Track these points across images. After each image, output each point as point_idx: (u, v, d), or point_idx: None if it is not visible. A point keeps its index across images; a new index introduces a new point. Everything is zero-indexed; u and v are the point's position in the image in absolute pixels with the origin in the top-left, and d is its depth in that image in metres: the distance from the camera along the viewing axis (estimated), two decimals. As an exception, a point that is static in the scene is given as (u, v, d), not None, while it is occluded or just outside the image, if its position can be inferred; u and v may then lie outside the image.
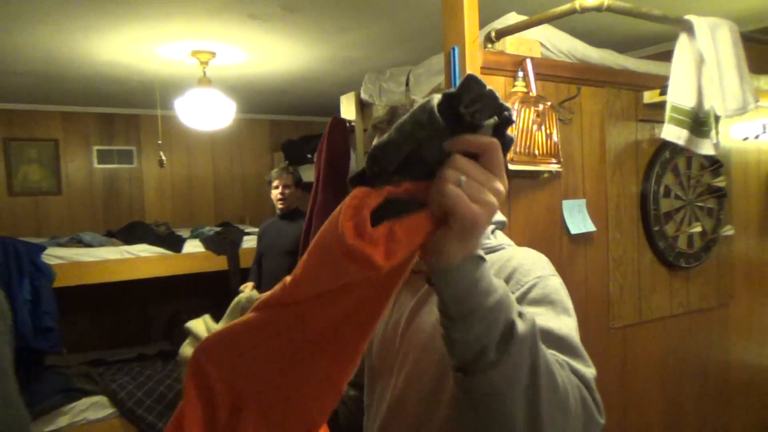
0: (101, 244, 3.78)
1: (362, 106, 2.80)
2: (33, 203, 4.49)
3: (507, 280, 0.93)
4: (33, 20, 2.54)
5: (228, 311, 2.79)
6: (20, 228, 4.39)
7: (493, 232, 1.06)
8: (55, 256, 3.54)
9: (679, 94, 1.84)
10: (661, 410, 2.21)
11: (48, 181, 4.55)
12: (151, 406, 3.74)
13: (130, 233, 4.08)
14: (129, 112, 4.83)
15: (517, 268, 0.94)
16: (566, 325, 0.86)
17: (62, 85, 3.81)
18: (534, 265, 0.95)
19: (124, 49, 3.01)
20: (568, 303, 0.92)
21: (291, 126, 5.57)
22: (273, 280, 3.41)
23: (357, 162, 2.85)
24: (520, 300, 0.89)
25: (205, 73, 3.21)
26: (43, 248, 3.50)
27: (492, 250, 1.01)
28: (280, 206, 3.37)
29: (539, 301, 0.89)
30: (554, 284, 0.93)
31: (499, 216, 1.07)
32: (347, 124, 2.85)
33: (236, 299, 2.90)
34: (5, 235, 4.17)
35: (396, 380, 1.02)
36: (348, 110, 2.86)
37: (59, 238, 3.91)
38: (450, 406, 0.92)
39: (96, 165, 4.75)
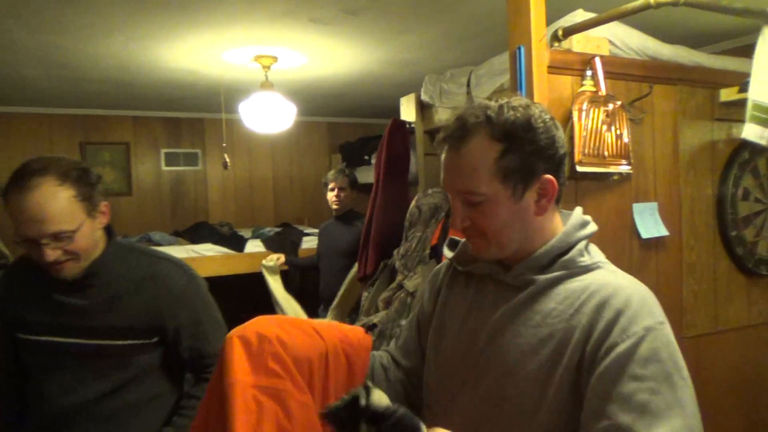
0: (169, 244, 3.93)
1: (422, 108, 2.79)
2: (106, 204, 4.73)
3: (610, 324, 0.84)
4: (108, 30, 2.68)
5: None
6: (94, 227, 4.64)
7: (587, 246, 0.97)
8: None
9: (763, 91, 1.72)
10: (738, 427, 2.09)
11: (120, 182, 4.78)
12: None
13: (196, 233, 4.23)
14: (194, 116, 5.01)
15: (622, 310, 0.84)
16: (687, 410, 0.80)
17: (133, 91, 4.00)
18: (641, 308, 0.85)
19: (190, 55, 3.12)
20: (682, 362, 0.84)
21: (349, 128, 5.63)
22: (330, 281, 3.47)
23: (416, 164, 2.84)
24: (627, 357, 0.81)
25: (267, 77, 3.29)
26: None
27: (587, 269, 0.93)
28: (334, 207, 3.40)
29: (649, 361, 0.81)
30: (666, 337, 0.84)
31: (591, 224, 0.98)
32: (407, 126, 2.84)
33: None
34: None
35: (471, 396, 0.96)
36: (408, 112, 2.86)
37: (130, 237, 4.10)
38: None
39: (164, 167, 4.95)
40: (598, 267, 0.93)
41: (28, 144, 4.40)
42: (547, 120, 0.92)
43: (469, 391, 0.96)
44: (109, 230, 1.38)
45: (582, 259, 0.94)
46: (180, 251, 3.86)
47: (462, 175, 0.92)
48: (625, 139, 1.73)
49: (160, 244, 3.89)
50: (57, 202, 1.20)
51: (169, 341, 1.39)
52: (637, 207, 1.82)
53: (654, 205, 1.86)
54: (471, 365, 0.97)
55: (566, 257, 0.93)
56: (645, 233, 1.82)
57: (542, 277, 0.93)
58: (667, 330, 0.86)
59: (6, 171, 4.52)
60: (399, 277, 2.45)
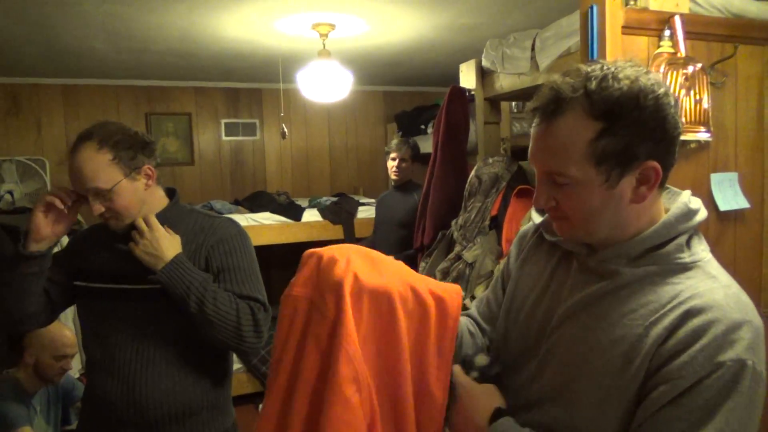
0: (230, 212, 4.03)
1: (483, 74, 2.70)
2: (170, 173, 4.89)
3: (694, 336, 0.76)
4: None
5: None
6: (160, 195, 4.82)
7: (689, 241, 0.85)
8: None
9: None
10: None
11: (183, 152, 4.92)
12: (273, 364, 3.98)
13: (255, 202, 4.31)
14: (253, 87, 5.07)
15: (717, 332, 0.75)
16: None
17: (194, 61, 4.07)
18: (739, 332, 0.75)
19: (247, 24, 3.13)
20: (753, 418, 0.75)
21: (405, 97, 5.56)
22: (385, 251, 3.46)
23: (476, 132, 2.77)
24: (698, 381, 0.74)
25: (324, 45, 3.27)
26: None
27: (684, 267, 0.82)
28: (394, 177, 3.39)
29: (713, 398, 0.73)
30: (752, 380, 0.74)
31: (699, 213, 0.86)
32: (467, 93, 2.76)
33: None
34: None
35: (540, 380, 0.91)
36: (468, 79, 2.78)
37: (193, 205, 4.23)
38: None
39: (224, 137, 5.06)
40: (696, 266, 0.82)
41: (97, 115, 4.58)
42: (660, 95, 0.78)
43: (534, 370, 0.92)
44: (171, 192, 1.55)
45: (680, 255, 0.83)
46: (240, 219, 3.94)
47: (550, 154, 0.82)
48: (705, 105, 1.62)
49: (221, 212, 4.00)
50: (93, 163, 1.36)
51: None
52: (715, 177, 1.71)
53: (734, 175, 1.74)
54: (540, 348, 0.92)
55: (661, 251, 0.83)
56: (723, 205, 1.71)
57: (629, 271, 0.83)
58: (763, 367, 0.76)
59: (78, 141, 4.61)
60: (457, 248, 2.42)
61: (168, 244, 1.39)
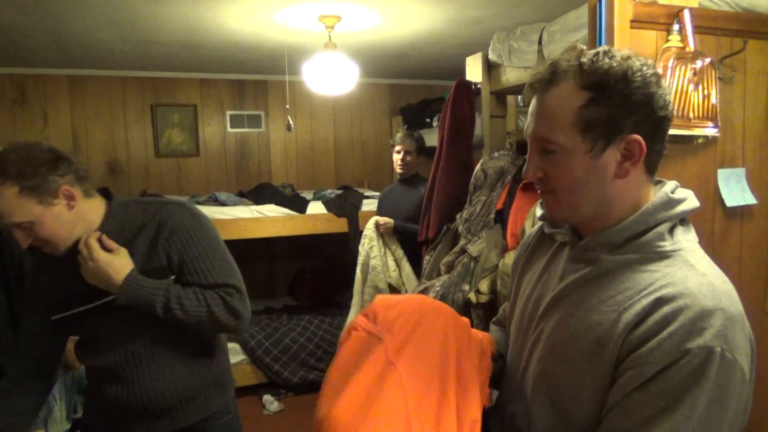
0: (235, 204, 4.04)
1: (489, 68, 2.69)
2: (176, 164, 4.90)
3: (663, 323, 0.76)
4: (177, -9, 2.71)
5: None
6: (165, 187, 4.83)
7: (672, 229, 0.86)
8: (195, 213, 3.85)
9: None
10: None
11: (188, 143, 4.92)
12: (277, 356, 4.00)
13: (259, 194, 4.32)
14: (258, 78, 5.06)
15: (686, 319, 0.75)
16: None
17: (200, 53, 4.06)
18: (710, 320, 0.75)
19: (253, 15, 3.12)
20: (726, 417, 0.74)
21: (410, 90, 5.54)
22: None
23: (482, 126, 2.77)
24: (665, 368, 0.74)
25: (330, 37, 3.26)
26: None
27: (663, 255, 0.83)
28: (399, 171, 3.38)
29: (679, 384, 0.73)
30: (721, 367, 0.73)
31: (685, 202, 0.87)
32: (473, 87, 2.75)
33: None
34: (154, 192, 4.60)
35: (533, 368, 0.93)
36: (474, 72, 2.77)
37: (198, 196, 4.24)
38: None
39: (229, 129, 5.06)
40: (676, 254, 0.83)
41: (102, 106, 4.58)
42: (648, 75, 0.82)
43: (527, 362, 0.95)
44: (105, 193, 1.46)
45: (660, 243, 0.84)
46: (245, 211, 3.96)
47: (541, 121, 0.86)
48: (713, 100, 1.61)
49: (226, 204, 4.00)
50: (4, 200, 1.26)
51: (179, 276, 1.43)
52: (722, 173, 1.70)
53: (741, 171, 1.73)
54: (531, 335, 0.95)
55: (641, 239, 0.84)
56: (730, 201, 1.70)
57: (610, 258, 0.85)
58: (741, 364, 0.75)
59: (83, 132, 4.73)
60: (462, 242, 2.42)
61: (116, 265, 1.33)
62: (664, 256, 0.83)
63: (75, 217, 1.35)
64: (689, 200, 0.88)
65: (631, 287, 0.82)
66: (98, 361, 1.45)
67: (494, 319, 1.22)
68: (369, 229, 3.35)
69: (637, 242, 0.85)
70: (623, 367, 0.78)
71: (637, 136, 0.82)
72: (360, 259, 3.35)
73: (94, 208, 1.41)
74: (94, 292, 1.39)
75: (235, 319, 1.42)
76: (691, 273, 0.81)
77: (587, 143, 0.83)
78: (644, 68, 0.82)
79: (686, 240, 0.86)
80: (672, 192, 0.88)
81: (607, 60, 0.82)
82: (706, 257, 0.86)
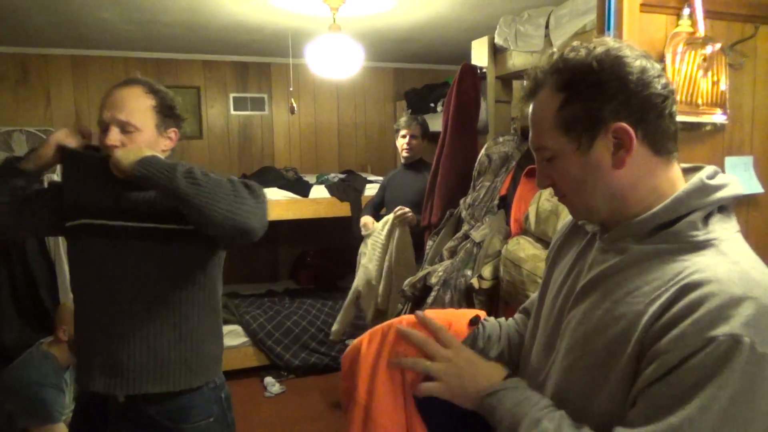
0: (237, 187, 4.02)
1: (495, 52, 2.66)
2: (178, 146, 4.82)
3: (687, 311, 0.72)
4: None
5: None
6: (168, 169, 4.82)
7: (707, 217, 0.81)
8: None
9: None
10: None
11: (191, 125, 4.90)
12: (279, 338, 4.03)
13: (262, 177, 4.31)
14: (262, 61, 5.02)
15: (712, 306, 0.70)
16: None
17: (203, 34, 4.03)
18: (738, 308, 0.70)
19: (260, -3, 3.09)
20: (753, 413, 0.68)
21: (415, 74, 5.50)
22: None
23: (487, 111, 2.74)
24: (687, 357, 0.70)
25: (335, 19, 3.22)
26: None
27: (697, 246, 0.78)
28: (404, 155, 3.36)
29: (701, 374, 0.68)
30: (749, 360, 0.68)
31: (726, 188, 0.81)
32: (478, 71, 2.73)
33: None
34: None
35: (557, 355, 0.91)
36: (479, 56, 2.74)
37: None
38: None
39: (232, 112, 5.03)
40: (710, 244, 0.78)
41: (105, 86, 4.54)
42: (619, 56, 0.80)
43: (558, 355, 0.90)
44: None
45: (693, 233, 0.79)
46: (248, 194, 3.95)
47: (533, 131, 0.89)
48: (723, 86, 1.59)
49: (229, 187, 3.99)
50: (136, 101, 1.45)
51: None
52: (730, 161, 1.69)
53: (749, 159, 1.72)
54: (559, 327, 0.92)
55: (672, 229, 0.80)
56: (736, 189, 1.69)
57: (638, 248, 0.82)
58: (762, 356, 0.68)
59: (85, 112, 4.70)
60: (465, 227, 2.42)
61: (145, 150, 1.39)
62: (697, 246, 0.78)
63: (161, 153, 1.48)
64: (730, 186, 0.82)
65: (659, 277, 0.78)
66: (90, 297, 1.46)
67: (521, 307, 1.19)
68: (380, 233, 3.21)
69: (668, 231, 0.80)
70: (647, 359, 0.75)
71: (622, 123, 0.79)
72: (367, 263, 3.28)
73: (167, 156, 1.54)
74: (118, 212, 1.42)
75: (256, 201, 1.37)
76: (721, 259, 0.76)
77: (573, 142, 0.83)
78: (612, 51, 0.80)
79: (723, 229, 0.81)
80: (709, 178, 0.82)
81: (572, 55, 0.82)
82: (746, 247, 0.81)
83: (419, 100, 4.78)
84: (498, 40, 2.59)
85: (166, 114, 1.50)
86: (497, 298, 2.10)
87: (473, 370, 0.95)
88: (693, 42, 1.53)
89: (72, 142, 1.48)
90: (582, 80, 0.81)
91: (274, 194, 4.04)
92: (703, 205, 0.80)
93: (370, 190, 4.27)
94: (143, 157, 1.33)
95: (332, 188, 4.21)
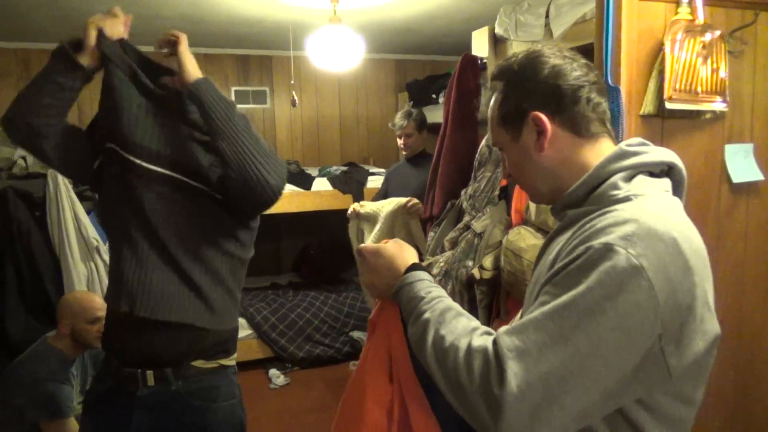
0: (240, 180, 4.04)
1: (496, 42, 2.65)
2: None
3: (580, 237, 0.81)
4: (180, -36, 2.67)
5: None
6: (170, 163, 4.83)
7: (631, 178, 0.87)
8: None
9: None
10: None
11: (193, 119, 4.90)
12: (283, 331, 4.05)
13: (265, 170, 4.32)
14: (263, 54, 5.02)
15: (599, 226, 0.79)
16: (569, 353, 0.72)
17: (204, 27, 4.03)
18: (622, 226, 0.76)
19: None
20: (620, 312, 0.72)
21: (417, 66, 5.49)
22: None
23: (488, 102, 2.74)
24: (566, 264, 0.78)
25: (335, 11, 3.22)
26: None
27: (617, 201, 0.84)
28: (403, 153, 3.38)
29: (571, 277, 0.76)
30: (621, 269, 0.72)
31: (642, 155, 0.89)
32: (479, 62, 2.72)
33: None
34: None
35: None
36: (480, 47, 2.73)
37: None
38: None
39: (234, 105, 5.03)
40: (629, 198, 0.83)
41: (107, 81, 4.57)
42: (533, 56, 0.93)
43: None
44: None
45: (613, 192, 0.85)
46: (250, 187, 3.96)
47: (489, 130, 1.04)
48: (722, 74, 1.58)
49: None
50: None
51: None
52: (730, 148, 1.68)
53: (749, 146, 1.72)
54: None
55: (597, 192, 0.88)
56: (736, 177, 1.69)
57: (571, 212, 0.91)
58: (631, 262, 0.72)
59: (88, 103, 4.68)
60: (466, 218, 2.42)
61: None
62: (617, 201, 0.84)
63: None
64: (651, 153, 0.90)
65: (584, 232, 0.82)
66: (120, 223, 1.43)
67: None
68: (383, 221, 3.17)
69: (594, 195, 0.89)
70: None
71: (536, 112, 0.91)
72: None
73: None
74: (160, 158, 1.42)
75: (282, 165, 1.40)
76: (630, 206, 0.82)
77: (509, 133, 0.96)
78: (530, 55, 0.94)
79: (645, 187, 0.86)
80: (629, 146, 0.91)
81: (504, 62, 0.98)
82: (667, 202, 0.86)
83: (421, 91, 4.78)
84: (498, 30, 2.58)
85: None
86: (498, 288, 2.11)
87: (388, 263, 1.03)
88: (692, 29, 1.52)
89: (114, 26, 1.48)
90: (508, 81, 0.96)
91: (276, 187, 4.05)
92: (623, 168, 0.88)
93: (373, 183, 4.28)
94: (206, 78, 1.36)
95: (335, 181, 4.22)
